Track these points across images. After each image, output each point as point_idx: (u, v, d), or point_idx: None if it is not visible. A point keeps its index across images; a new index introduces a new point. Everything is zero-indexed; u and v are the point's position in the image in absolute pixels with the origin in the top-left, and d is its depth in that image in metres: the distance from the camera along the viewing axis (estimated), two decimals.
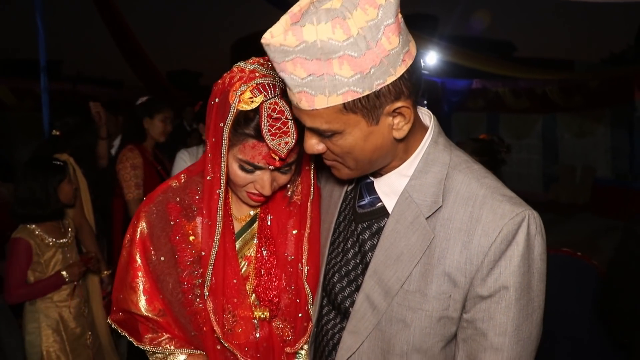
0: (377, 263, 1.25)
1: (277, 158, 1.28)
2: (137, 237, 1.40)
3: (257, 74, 1.28)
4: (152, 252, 1.39)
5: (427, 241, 1.19)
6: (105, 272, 3.49)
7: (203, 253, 1.38)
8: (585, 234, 7.99)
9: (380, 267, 1.25)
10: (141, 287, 1.38)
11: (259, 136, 1.26)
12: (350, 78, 1.03)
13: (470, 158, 1.29)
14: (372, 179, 1.32)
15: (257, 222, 1.48)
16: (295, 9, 1.06)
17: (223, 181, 1.32)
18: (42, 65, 4.46)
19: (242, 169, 1.32)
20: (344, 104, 1.06)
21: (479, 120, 12.71)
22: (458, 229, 1.18)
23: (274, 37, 1.04)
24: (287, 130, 1.25)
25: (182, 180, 1.46)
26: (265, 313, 1.42)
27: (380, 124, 1.12)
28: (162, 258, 1.39)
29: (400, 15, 1.05)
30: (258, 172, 1.33)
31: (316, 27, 0.99)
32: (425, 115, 1.30)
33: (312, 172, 1.44)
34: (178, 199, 1.43)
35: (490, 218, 1.16)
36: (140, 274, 1.39)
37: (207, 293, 1.36)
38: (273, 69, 1.26)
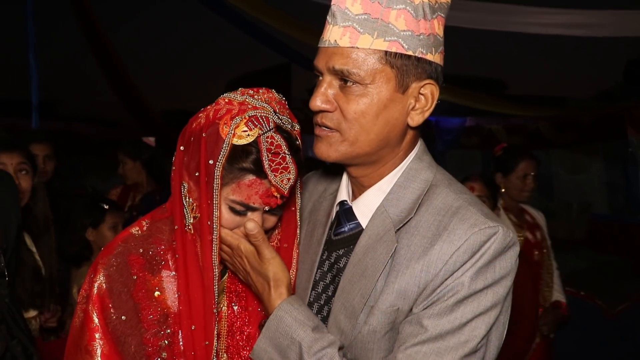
0: (345, 282, 1.18)
1: (278, 196, 1.19)
2: (94, 293, 1.22)
3: (248, 106, 1.19)
4: (112, 310, 1.22)
5: (390, 251, 1.13)
6: None
7: (175, 309, 1.24)
8: (583, 270, 7.91)
9: (347, 286, 1.17)
10: (99, 351, 1.20)
11: (259, 172, 1.16)
12: (402, 31, 1.08)
13: (452, 177, 1.24)
14: (349, 203, 1.26)
15: (227, 275, 1.34)
16: None
17: (217, 226, 1.19)
18: (34, 104, 4.49)
19: (233, 210, 1.20)
20: (386, 51, 1.09)
21: (473, 158, 12.75)
22: (422, 235, 1.12)
23: None
24: (287, 165, 1.16)
25: (145, 227, 1.31)
26: None
27: (405, 97, 1.13)
28: (122, 317, 1.22)
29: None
30: (249, 214, 1.22)
31: None
32: None
33: (298, 214, 1.34)
34: (141, 250, 1.27)
35: (458, 226, 1.09)
36: (97, 335, 1.20)
37: None
38: (264, 101, 1.21)
